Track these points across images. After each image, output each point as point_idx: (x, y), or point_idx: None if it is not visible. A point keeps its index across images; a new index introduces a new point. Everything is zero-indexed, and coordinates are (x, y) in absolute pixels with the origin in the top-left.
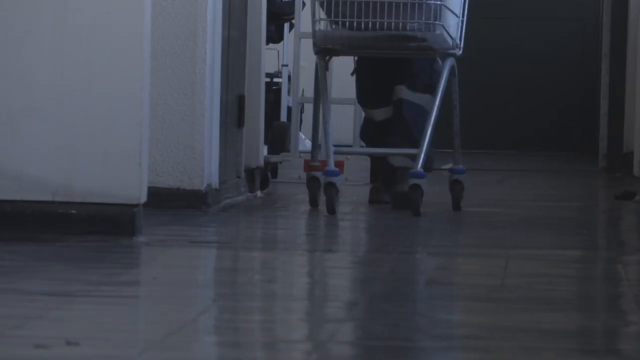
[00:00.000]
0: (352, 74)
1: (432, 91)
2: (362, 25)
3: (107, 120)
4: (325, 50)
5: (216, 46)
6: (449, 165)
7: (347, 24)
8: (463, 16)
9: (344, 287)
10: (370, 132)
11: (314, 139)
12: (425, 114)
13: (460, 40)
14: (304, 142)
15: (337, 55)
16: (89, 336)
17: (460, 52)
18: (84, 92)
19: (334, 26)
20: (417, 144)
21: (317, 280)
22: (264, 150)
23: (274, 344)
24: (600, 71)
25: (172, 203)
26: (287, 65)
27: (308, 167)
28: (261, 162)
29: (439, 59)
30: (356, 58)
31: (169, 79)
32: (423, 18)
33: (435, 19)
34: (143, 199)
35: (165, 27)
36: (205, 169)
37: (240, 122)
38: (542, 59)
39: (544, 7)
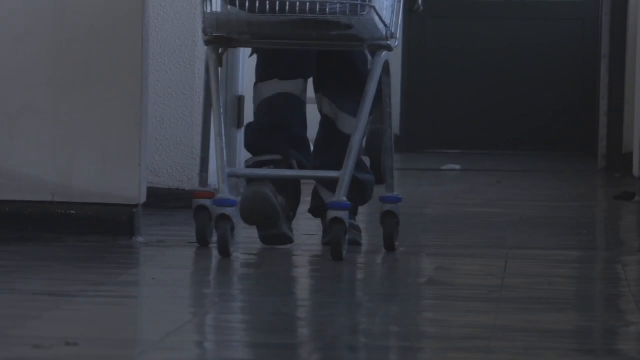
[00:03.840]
0: (250, 56)
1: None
2: (268, 7)
3: (106, 121)
4: (218, 40)
5: None
6: (448, 166)
7: (248, 4)
8: None
9: (344, 287)
10: (258, 134)
11: (204, 154)
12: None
13: (395, 28)
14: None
15: (234, 46)
16: (88, 336)
17: (397, 43)
18: (83, 92)
19: (229, 7)
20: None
21: (317, 280)
22: None
23: (274, 343)
24: (600, 71)
25: (172, 203)
26: None
27: (195, 193)
28: None
29: (367, 53)
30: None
31: (168, 79)
32: None
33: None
34: (142, 199)
35: (164, 27)
36: None
37: (239, 123)
38: (542, 59)
39: (544, 7)
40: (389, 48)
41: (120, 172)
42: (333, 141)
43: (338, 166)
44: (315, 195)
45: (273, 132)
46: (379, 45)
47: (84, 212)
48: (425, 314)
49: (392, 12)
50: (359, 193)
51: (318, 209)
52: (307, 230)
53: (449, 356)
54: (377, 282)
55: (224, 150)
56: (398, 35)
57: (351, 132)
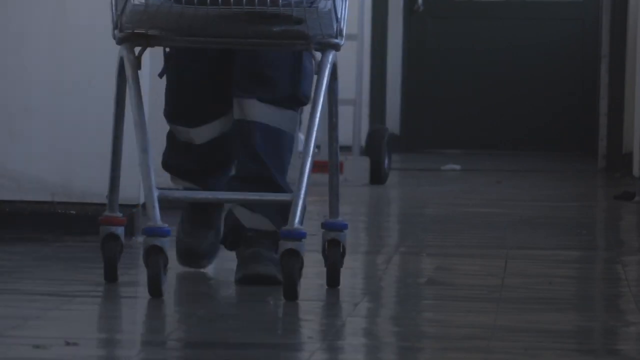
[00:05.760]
0: (160, 76)
1: (295, 106)
2: None
3: (106, 121)
4: (136, 37)
5: None
6: (448, 166)
7: None
8: None
9: (344, 287)
10: (178, 158)
11: (113, 172)
12: (289, 141)
13: (344, 23)
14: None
15: (154, 45)
16: (88, 336)
17: (343, 41)
18: (82, 93)
19: None
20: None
21: (316, 280)
22: None
23: (274, 343)
24: (600, 71)
25: (172, 203)
26: None
27: (103, 218)
28: None
29: (313, 53)
30: (167, 50)
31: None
32: None
33: None
34: (142, 199)
35: None
36: None
37: None
38: (542, 59)
39: (544, 7)
40: (336, 47)
41: (120, 172)
42: (250, 144)
43: (260, 175)
44: (228, 218)
45: (205, 176)
46: (326, 44)
47: (84, 212)
48: (425, 314)
49: (342, 4)
50: (284, 214)
51: (231, 238)
52: (307, 230)
53: (449, 356)
54: (377, 282)
55: (151, 168)
56: (399, 36)
57: (266, 120)
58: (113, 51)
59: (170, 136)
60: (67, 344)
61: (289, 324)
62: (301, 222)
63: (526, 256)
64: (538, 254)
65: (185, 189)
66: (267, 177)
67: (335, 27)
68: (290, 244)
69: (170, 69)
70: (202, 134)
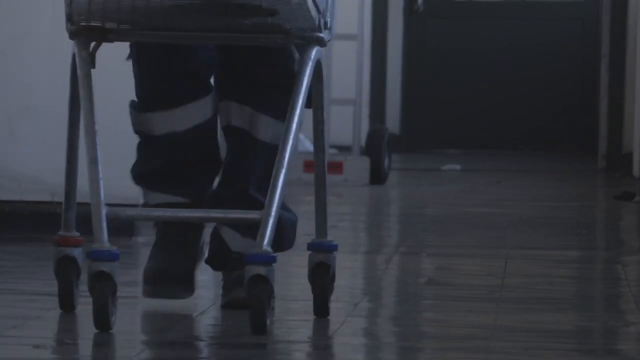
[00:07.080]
0: (127, 59)
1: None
2: None
3: (105, 120)
4: (89, 31)
5: None
6: (448, 166)
7: None
8: None
9: (344, 287)
10: (154, 159)
11: (68, 187)
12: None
13: (332, 17)
14: (303, 142)
15: (111, 40)
16: (87, 337)
17: (331, 37)
18: None
19: None
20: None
21: None
22: None
23: (274, 344)
24: (600, 71)
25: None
26: None
27: (59, 239)
28: None
29: (294, 49)
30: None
31: None
32: None
33: None
34: (141, 199)
35: None
36: None
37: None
38: (541, 59)
39: (544, 7)
40: (321, 42)
41: (120, 172)
42: (253, 153)
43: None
44: (215, 236)
45: (182, 177)
46: (309, 38)
47: (83, 212)
48: (425, 314)
49: None
50: (275, 238)
51: (217, 258)
52: (307, 230)
53: (449, 356)
54: (377, 282)
55: (101, 182)
56: (399, 36)
57: (275, 140)
58: (112, 51)
59: (144, 143)
60: (67, 344)
61: (288, 324)
62: (270, 243)
63: (526, 256)
64: (538, 254)
65: (166, 204)
66: (244, 192)
67: (317, 19)
68: (258, 269)
69: (139, 52)
70: (178, 118)
